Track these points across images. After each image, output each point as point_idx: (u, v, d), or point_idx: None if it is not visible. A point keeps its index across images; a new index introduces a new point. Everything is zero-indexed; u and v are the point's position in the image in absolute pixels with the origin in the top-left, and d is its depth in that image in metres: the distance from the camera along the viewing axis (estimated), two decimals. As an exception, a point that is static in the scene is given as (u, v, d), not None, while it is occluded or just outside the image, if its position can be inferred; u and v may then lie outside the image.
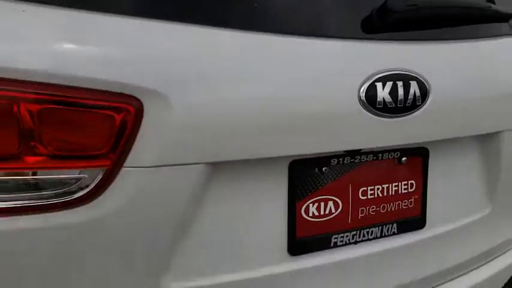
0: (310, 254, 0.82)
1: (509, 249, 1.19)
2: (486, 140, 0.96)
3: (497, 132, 0.96)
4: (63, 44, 0.59)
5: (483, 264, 1.12)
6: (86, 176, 0.61)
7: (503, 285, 1.22)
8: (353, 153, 0.81)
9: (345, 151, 0.79)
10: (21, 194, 0.59)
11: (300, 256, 0.81)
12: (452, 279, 1.06)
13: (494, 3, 0.93)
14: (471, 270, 1.09)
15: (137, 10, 0.63)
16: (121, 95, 0.60)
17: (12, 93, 0.56)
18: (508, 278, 1.21)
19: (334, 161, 0.81)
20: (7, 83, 0.56)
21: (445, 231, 0.98)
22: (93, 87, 0.59)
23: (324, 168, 0.80)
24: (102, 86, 0.59)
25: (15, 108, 0.57)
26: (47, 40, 0.59)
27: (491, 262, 1.14)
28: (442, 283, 1.04)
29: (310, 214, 0.81)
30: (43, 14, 0.59)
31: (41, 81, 0.57)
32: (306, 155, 0.76)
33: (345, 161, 0.82)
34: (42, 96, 0.57)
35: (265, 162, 0.74)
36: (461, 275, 1.07)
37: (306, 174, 0.79)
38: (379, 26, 0.76)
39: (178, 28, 0.65)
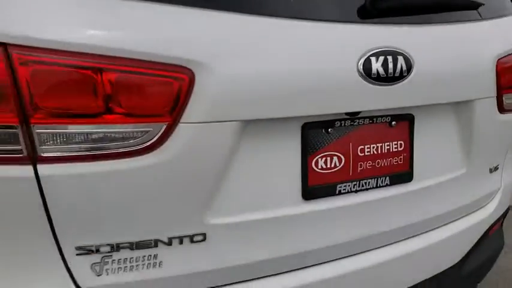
0: (319, 199, 1.00)
1: (483, 206, 1.39)
2: (460, 108, 1.16)
3: (469, 101, 1.15)
4: (139, 31, 0.77)
5: (460, 218, 1.32)
6: (152, 129, 0.78)
7: (478, 237, 1.41)
8: (353, 116, 1.00)
9: (346, 113, 0.98)
10: (105, 144, 0.77)
11: (311, 201, 0.99)
12: (433, 229, 1.25)
13: None
14: (449, 222, 1.29)
15: (192, 2, 0.81)
16: (178, 66, 0.78)
17: (100, 65, 0.74)
18: (483, 230, 1.41)
19: (337, 124, 0.99)
20: (98, 58, 0.73)
21: (429, 185, 1.18)
22: (158, 61, 0.76)
23: (329, 129, 0.99)
24: (165, 60, 0.77)
25: (100, 78, 0.74)
26: (131, 28, 0.76)
27: (468, 216, 1.34)
28: (426, 231, 1.23)
29: (319, 167, 0.99)
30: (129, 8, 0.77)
31: (123, 56, 0.74)
32: (314, 116, 0.95)
33: (346, 124, 1.01)
34: (121, 67, 0.75)
35: (282, 123, 0.92)
36: (441, 226, 1.27)
37: (315, 134, 0.98)
38: (372, 12, 0.94)
39: (218, 15, 0.83)
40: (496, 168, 1.37)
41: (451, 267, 1.30)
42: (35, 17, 0.73)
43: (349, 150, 1.02)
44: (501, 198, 1.43)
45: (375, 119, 1.04)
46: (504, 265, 2.21)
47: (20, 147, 0.74)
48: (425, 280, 1.24)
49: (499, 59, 1.19)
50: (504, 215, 1.53)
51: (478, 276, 1.46)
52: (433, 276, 1.26)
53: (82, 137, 0.76)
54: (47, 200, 0.77)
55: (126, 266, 0.85)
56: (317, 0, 0.93)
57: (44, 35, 0.72)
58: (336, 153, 1.01)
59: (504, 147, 1.36)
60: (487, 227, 1.39)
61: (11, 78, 0.71)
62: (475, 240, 1.36)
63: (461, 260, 1.33)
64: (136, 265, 0.85)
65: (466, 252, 1.34)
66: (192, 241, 0.88)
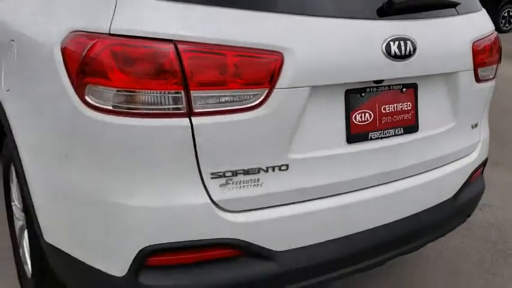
0: (357, 143, 1.45)
1: (468, 154, 1.85)
2: (449, 77, 1.62)
3: (455, 72, 1.62)
4: (250, 30, 1.21)
5: (453, 161, 1.77)
6: (259, 93, 1.22)
7: (466, 178, 1.87)
8: (377, 84, 1.45)
9: (374, 81, 1.43)
10: (232, 103, 1.20)
11: (352, 144, 1.44)
12: (434, 169, 1.70)
13: None
14: (445, 164, 1.75)
15: (286, 8, 1.25)
16: (273, 52, 1.22)
17: (228, 52, 1.18)
18: (470, 173, 1.87)
19: (368, 90, 1.44)
20: (227, 48, 1.17)
21: (430, 135, 1.63)
22: (261, 48, 1.20)
23: (362, 94, 1.43)
24: (265, 47, 1.21)
25: (228, 60, 1.18)
26: (244, 28, 1.20)
27: (458, 160, 1.80)
28: (429, 170, 1.68)
29: (357, 120, 1.44)
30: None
31: (240, 46, 1.18)
32: (353, 84, 1.39)
33: (373, 90, 1.46)
34: (240, 53, 1.19)
35: (333, 89, 1.37)
36: (439, 167, 1.72)
37: (353, 97, 1.42)
38: (389, 12, 1.40)
39: (294, 17, 1.27)
40: (476, 125, 1.84)
41: (448, 199, 1.76)
42: (188, 24, 1.16)
43: (376, 109, 1.47)
44: (480, 149, 1.89)
45: (391, 87, 1.49)
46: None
47: (181, 106, 1.17)
48: (432, 207, 1.69)
49: (473, 42, 1.66)
50: (484, 164, 2.00)
51: (468, 209, 1.92)
52: (436, 206, 1.71)
53: (218, 99, 1.19)
54: (196, 141, 1.19)
55: (241, 186, 1.27)
56: (353, 5, 1.38)
57: (197, 34, 1.15)
58: (367, 111, 1.45)
59: (481, 108, 1.83)
60: (472, 170, 1.86)
61: (178, 61, 1.14)
62: (464, 181, 1.82)
63: (455, 194, 1.78)
64: (247, 185, 1.28)
65: (457, 189, 1.80)
66: (280, 169, 1.31)
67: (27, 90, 1.50)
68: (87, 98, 1.21)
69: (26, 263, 1.96)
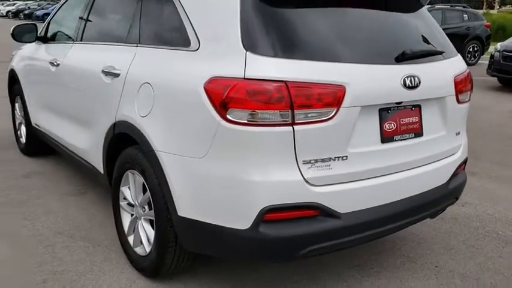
0: (387, 143, 2.24)
1: (455, 153, 2.66)
2: (440, 100, 2.45)
3: (443, 97, 2.44)
4: (325, 73, 2.01)
5: (445, 158, 2.58)
6: (331, 110, 2.00)
7: (454, 170, 2.67)
8: (398, 104, 2.25)
9: (396, 103, 2.24)
10: (317, 116, 1.98)
11: (384, 143, 2.23)
12: (434, 162, 2.50)
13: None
14: (441, 159, 2.55)
15: (346, 59, 2.06)
16: (340, 85, 2.01)
17: (313, 87, 1.97)
18: (456, 166, 2.67)
19: (392, 108, 2.25)
20: (312, 84, 1.97)
21: (430, 139, 2.43)
22: (332, 83, 2.00)
23: (389, 111, 2.24)
24: (335, 83, 2.00)
25: (314, 91, 1.97)
26: (320, 72, 2.00)
27: (448, 157, 2.60)
28: (431, 162, 2.48)
29: (386, 128, 2.23)
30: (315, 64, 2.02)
31: (320, 83, 1.98)
32: (383, 104, 2.19)
33: (395, 108, 2.26)
34: (320, 87, 1.98)
35: (372, 108, 2.16)
36: (437, 160, 2.52)
37: (384, 113, 2.22)
38: (403, 59, 2.23)
39: (350, 65, 2.08)
40: (458, 133, 2.66)
41: (444, 183, 2.55)
42: (292, 70, 1.96)
43: (397, 121, 2.27)
44: (462, 150, 2.71)
45: (406, 106, 2.30)
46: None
47: (288, 119, 1.94)
48: (434, 188, 2.48)
49: (454, 77, 2.50)
50: (465, 162, 2.81)
51: (456, 192, 2.71)
52: (437, 187, 2.50)
53: (309, 114, 1.97)
54: (295, 140, 1.96)
55: (320, 169, 2.04)
56: (383, 56, 2.20)
57: (297, 76, 1.95)
58: (392, 122, 2.25)
59: (462, 121, 2.66)
60: (457, 165, 2.67)
61: (288, 92, 1.93)
62: (453, 171, 2.63)
63: (447, 180, 2.58)
64: (323, 168, 2.05)
65: (449, 176, 2.60)
66: (342, 159, 2.09)
67: (170, 114, 2.25)
68: (228, 116, 1.98)
69: (140, 245, 2.65)
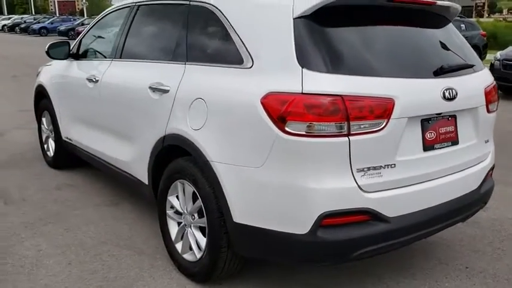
0: (429, 151, 2.41)
1: (484, 160, 2.83)
2: (473, 110, 2.62)
3: (475, 107, 2.62)
4: (378, 88, 2.18)
5: (476, 164, 2.75)
6: (382, 122, 2.17)
7: (484, 175, 2.84)
8: (438, 115, 2.42)
9: (436, 114, 2.41)
10: (370, 127, 2.14)
11: (426, 151, 2.40)
12: (468, 168, 2.67)
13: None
14: (473, 165, 2.71)
15: (394, 75, 2.24)
16: (390, 98, 2.18)
17: (366, 100, 2.14)
18: (486, 172, 2.84)
19: (432, 119, 2.42)
20: (364, 98, 2.14)
21: (464, 146, 2.61)
22: (383, 97, 2.16)
23: (429, 121, 2.41)
24: (385, 96, 2.17)
25: (366, 104, 2.13)
26: (373, 87, 2.17)
27: (479, 163, 2.77)
28: (465, 169, 2.65)
29: (428, 137, 2.40)
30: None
31: (373, 96, 2.14)
32: (425, 115, 2.36)
33: (435, 119, 2.43)
34: (373, 100, 2.14)
35: (416, 119, 2.33)
36: (471, 167, 2.69)
37: (425, 123, 2.39)
38: (442, 73, 2.40)
39: (397, 79, 2.25)
40: (487, 141, 2.83)
41: (476, 189, 2.72)
42: (347, 85, 2.12)
43: (437, 130, 2.44)
44: (491, 157, 2.89)
45: (444, 117, 2.47)
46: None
47: (344, 130, 2.11)
48: (468, 193, 2.64)
49: (484, 88, 2.68)
50: (492, 168, 2.98)
51: (485, 197, 2.88)
52: (470, 192, 2.67)
53: (362, 125, 2.13)
54: (350, 150, 2.13)
55: (371, 176, 2.20)
56: (424, 71, 2.38)
57: (351, 90, 2.12)
58: (432, 131, 2.42)
59: (490, 130, 2.83)
60: (487, 171, 2.84)
61: (344, 105, 2.09)
62: (483, 177, 2.80)
63: (479, 185, 2.75)
64: (374, 176, 2.21)
65: (480, 182, 2.76)
66: (390, 167, 2.25)
67: (225, 127, 2.41)
68: (286, 128, 2.14)
69: (189, 251, 2.79)
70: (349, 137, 2.13)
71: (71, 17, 55.98)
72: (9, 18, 53.50)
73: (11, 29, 46.77)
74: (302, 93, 2.12)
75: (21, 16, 57.62)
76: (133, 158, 3.28)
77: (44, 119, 4.98)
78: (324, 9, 2.23)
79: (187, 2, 2.93)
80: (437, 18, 2.74)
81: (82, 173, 4.76)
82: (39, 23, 43.65)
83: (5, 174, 4.75)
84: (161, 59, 3.10)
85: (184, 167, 2.71)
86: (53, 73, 4.58)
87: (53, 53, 4.17)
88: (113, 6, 3.97)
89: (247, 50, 2.41)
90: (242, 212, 2.36)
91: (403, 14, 2.55)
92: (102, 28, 4.17)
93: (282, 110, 2.15)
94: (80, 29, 30.73)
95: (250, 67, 2.38)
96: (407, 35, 2.51)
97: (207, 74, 2.65)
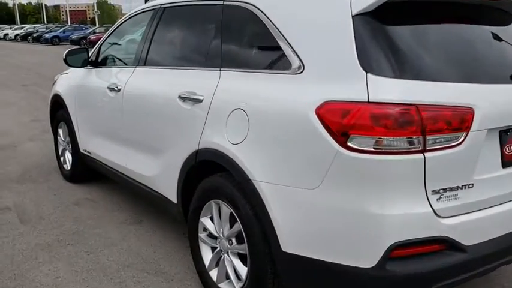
0: (509, 167, 2.07)
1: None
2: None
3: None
4: (456, 92, 1.85)
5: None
6: (461, 135, 1.84)
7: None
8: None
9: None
10: (443, 142, 1.81)
11: (505, 168, 2.06)
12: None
13: None
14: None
15: (473, 80, 1.91)
16: (469, 108, 1.85)
17: (444, 110, 1.81)
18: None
19: (511, 130, 2.08)
20: (441, 107, 1.81)
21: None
22: (463, 106, 1.84)
23: (508, 132, 2.07)
24: (465, 106, 1.85)
25: (446, 114, 1.81)
26: (454, 93, 1.85)
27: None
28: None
29: (507, 151, 2.07)
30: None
31: (451, 105, 1.82)
32: (503, 127, 2.03)
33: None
34: (453, 109, 1.82)
35: (494, 131, 2.00)
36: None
37: (503, 135, 2.05)
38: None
39: (476, 85, 1.92)
40: None
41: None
42: (422, 93, 1.81)
43: (516, 141, 2.11)
44: None
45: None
46: None
47: (418, 146, 1.78)
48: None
49: None
50: None
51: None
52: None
53: (438, 140, 1.81)
54: (426, 169, 1.80)
55: (447, 199, 1.88)
56: (501, 74, 2.05)
57: (428, 99, 1.79)
58: (511, 144, 2.09)
59: None
60: None
61: (419, 117, 1.77)
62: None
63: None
64: (450, 198, 1.88)
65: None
66: (468, 187, 1.92)
67: (271, 141, 2.09)
68: (349, 144, 1.82)
69: (226, 281, 2.48)
70: (425, 153, 1.80)
71: (82, 26, 56.43)
72: (22, 28, 54.05)
73: (24, 38, 47.20)
74: (368, 102, 1.81)
75: (34, 25, 58.26)
76: (159, 173, 2.98)
77: (60, 131, 4.72)
78: (387, 5, 1.91)
79: (221, 2, 2.63)
80: (507, 18, 2.41)
81: (101, 187, 4.48)
82: (51, 32, 44.05)
83: (20, 188, 4.49)
84: (191, 65, 2.80)
85: (221, 186, 2.40)
86: (71, 82, 4.31)
87: (71, 60, 3.90)
88: (134, 10, 3.69)
89: (295, 53, 2.10)
90: (293, 241, 2.05)
91: (478, 11, 2.23)
92: (123, 33, 3.90)
93: (343, 122, 1.84)
94: (92, 37, 30.95)
95: (301, 72, 2.07)
96: (482, 35, 2.19)
97: (247, 81, 2.34)
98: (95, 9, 79.79)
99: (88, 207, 4.02)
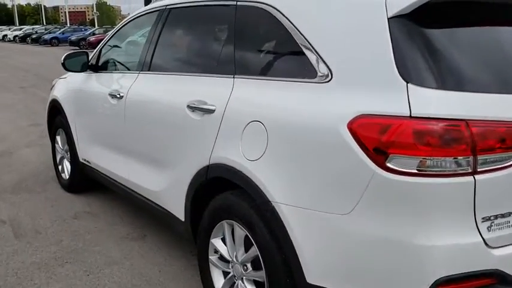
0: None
1: None
2: None
3: None
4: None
5: None
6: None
7: None
8: None
9: None
10: (495, 163, 1.58)
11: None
12: None
13: None
14: None
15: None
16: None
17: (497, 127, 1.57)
18: None
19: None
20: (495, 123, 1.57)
21: None
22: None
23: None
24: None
25: (501, 131, 1.57)
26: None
27: None
28: None
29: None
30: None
31: (504, 121, 1.58)
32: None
33: None
34: (501, 128, 1.59)
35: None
36: None
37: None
38: None
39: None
40: None
41: None
42: (473, 107, 1.57)
43: None
44: None
45: None
46: None
47: (468, 167, 1.55)
48: None
49: None
50: None
51: None
52: None
53: (492, 160, 1.58)
54: (476, 193, 1.57)
55: (499, 227, 1.64)
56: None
57: (480, 114, 1.56)
58: None
59: None
60: None
61: (469, 134, 1.54)
62: None
63: None
64: (502, 226, 1.65)
65: None
66: (523, 212, 1.69)
67: (294, 158, 1.86)
68: (388, 165, 1.59)
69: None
70: (475, 175, 1.57)
71: (81, 27, 56.25)
72: (21, 29, 53.83)
73: (23, 39, 46.97)
74: (410, 116, 1.58)
75: (33, 27, 58.13)
76: (165, 188, 2.74)
77: (58, 138, 4.48)
78: (429, 6, 1.68)
79: (234, 2, 2.40)
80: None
81: (101, 198, 4.24)
82: (50, 33, 43.88)
83: (15, 199, 4.25)
84: (201, 71, 2.57)
85: (235, 206, 2.17)
86: (69, 87, 4.08)
87: (70, 64, 3.66)
88: (138, 11, 3.45)
89: (321, 59, 1.87)
90: (319, 272, 1.81)
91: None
92: (125, 36, 3.66)
93: (381, 139, 1.60)
94: (92, 39, 30.72)
95: (328, 81, 1.83)
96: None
97: (264, 89, 2.11)
98: (94, 11, 79.59)
99: (87, 220, 3.78)
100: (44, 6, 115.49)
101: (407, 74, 1.63)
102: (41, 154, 5.68)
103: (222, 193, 2.29)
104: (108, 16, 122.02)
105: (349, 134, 1.67)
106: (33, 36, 45.03)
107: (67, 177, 4.37)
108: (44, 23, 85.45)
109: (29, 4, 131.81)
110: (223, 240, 2.34)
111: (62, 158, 4.48)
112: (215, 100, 2.30)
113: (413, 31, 1.69)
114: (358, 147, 1.65)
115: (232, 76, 2.29)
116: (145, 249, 3.29)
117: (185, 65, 2.81)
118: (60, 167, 4.52)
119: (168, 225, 2.91)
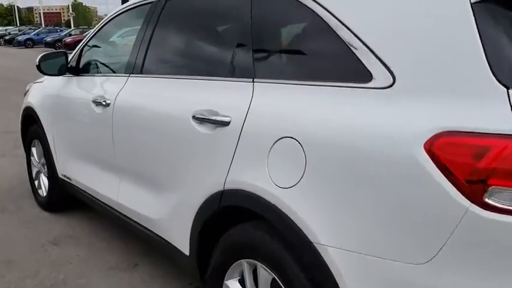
0: None
1: None
2: None
3: None
4: None
5: None
6: None
7: None
8: None
9: None
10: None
11: None
12: None
13: None
14: None
15: None
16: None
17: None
18: None
19: None
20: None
21: None
22: None
23: None
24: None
25: None
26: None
27: None
28: None
29: None
30: None
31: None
32: None
33: None
34: None
35: None
36: None
37: None
38: None
39: None
40: None
41: None
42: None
43: None
44: None
45: None
46: None
47: None
48: None
49: None
50: None
51: None
52: None
53: None
54: None
55: None
56: None
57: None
58: None
59: None
60: None
61: None
62: None
63: None
64: None
65: None
66: None
67: (347, 187, 1.43)
68: (487, 200, 1.17)
69: None
70: None
71: (57, 28, 55.09)
72: (-6, 30, 52.32)
73: (-4, 41, 45.62)
74: (517, 135, 1.16)
75: (6, 28, 56.66)
76: (164, 215, 2.28)
77: (34, 150, 3.96)
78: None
79: (249, -12, 1.95)
80: None
81: (84, 218, 3.74)
82: (24, 34, 42.76)
83: (-16, 221, 3.73)
84: (208, 74, 2.11)
85: (259, 243, 1.73)
86: (46, 92, 3.56)
87: (46, 66, 3.16)
88: (125, 4, 2.97)
89: (378, 58, 1.44)
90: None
91: None
92: (111, 34, 3.18)
93: (477, 166, 1.18)
94: (68, 39, 29.87)
95: (389, 86, 1.41)
96: None
97: (296, 96, 1.67)
98: (70, 11, 78.01)
99: (69, 246, 3.28)
100: (18, 7, 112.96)
101: (507, 78, 1.21)
102: (15, 165, 5.14)
103: (238, 225, 1.85)
104: (84, 17, 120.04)
105: (428, 158, 1.25)
106: (7, 37, 43.89)
107: (44, 194, 3.86)
108: (18, 24, 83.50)
109: (1, 5, 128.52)
110: (241, 282, 1.90)
111: (38, 173, 3.97)
112: (229, 110, 1.86)
113: (507, 19, 1.28)
114: (442, 175, 1.22)
115: (251, 80, 1.85)
116: (137, 281, 2.82)
117: (187, 67, 2.34)
118: (36, 183, 4.01)
119: (167, 256, 2.45)
